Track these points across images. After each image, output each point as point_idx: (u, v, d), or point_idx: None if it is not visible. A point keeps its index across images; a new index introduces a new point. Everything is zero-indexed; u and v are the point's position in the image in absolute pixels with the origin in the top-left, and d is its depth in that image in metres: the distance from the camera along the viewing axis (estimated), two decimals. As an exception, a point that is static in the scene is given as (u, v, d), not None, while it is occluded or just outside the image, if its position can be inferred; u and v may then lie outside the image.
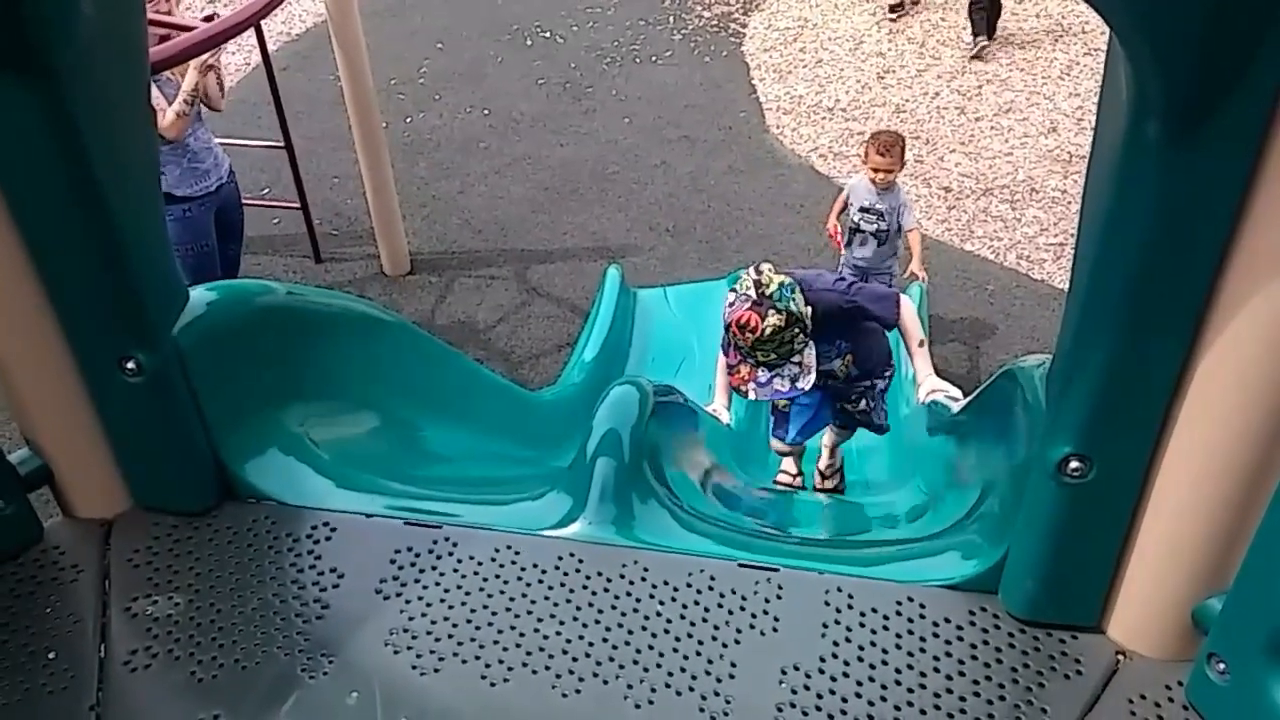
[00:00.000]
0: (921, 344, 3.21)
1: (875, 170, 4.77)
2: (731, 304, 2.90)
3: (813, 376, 2.87)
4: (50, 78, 1.45)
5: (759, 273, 2.90)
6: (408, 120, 7.41)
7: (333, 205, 6.57)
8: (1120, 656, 1.59)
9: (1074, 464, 1.44)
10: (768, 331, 2.80)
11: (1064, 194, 6.50)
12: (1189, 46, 1.08)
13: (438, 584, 1.79)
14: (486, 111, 7.49)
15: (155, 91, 3.96)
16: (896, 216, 4.89)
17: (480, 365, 3.41)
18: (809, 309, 2.90)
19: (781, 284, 2.85)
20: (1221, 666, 1.40)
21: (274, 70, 5.50)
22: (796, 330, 2.84)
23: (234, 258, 4.84)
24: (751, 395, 2.91)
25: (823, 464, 3.89)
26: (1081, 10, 8.33)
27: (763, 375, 2.87)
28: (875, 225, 4.90)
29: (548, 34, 8.50)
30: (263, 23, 5.00)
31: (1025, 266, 5.99)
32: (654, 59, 8.14)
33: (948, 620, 1.66)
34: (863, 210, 4.90)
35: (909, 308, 3.19)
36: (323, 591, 1.78)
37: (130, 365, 1.73)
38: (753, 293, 2.84)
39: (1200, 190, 1.19)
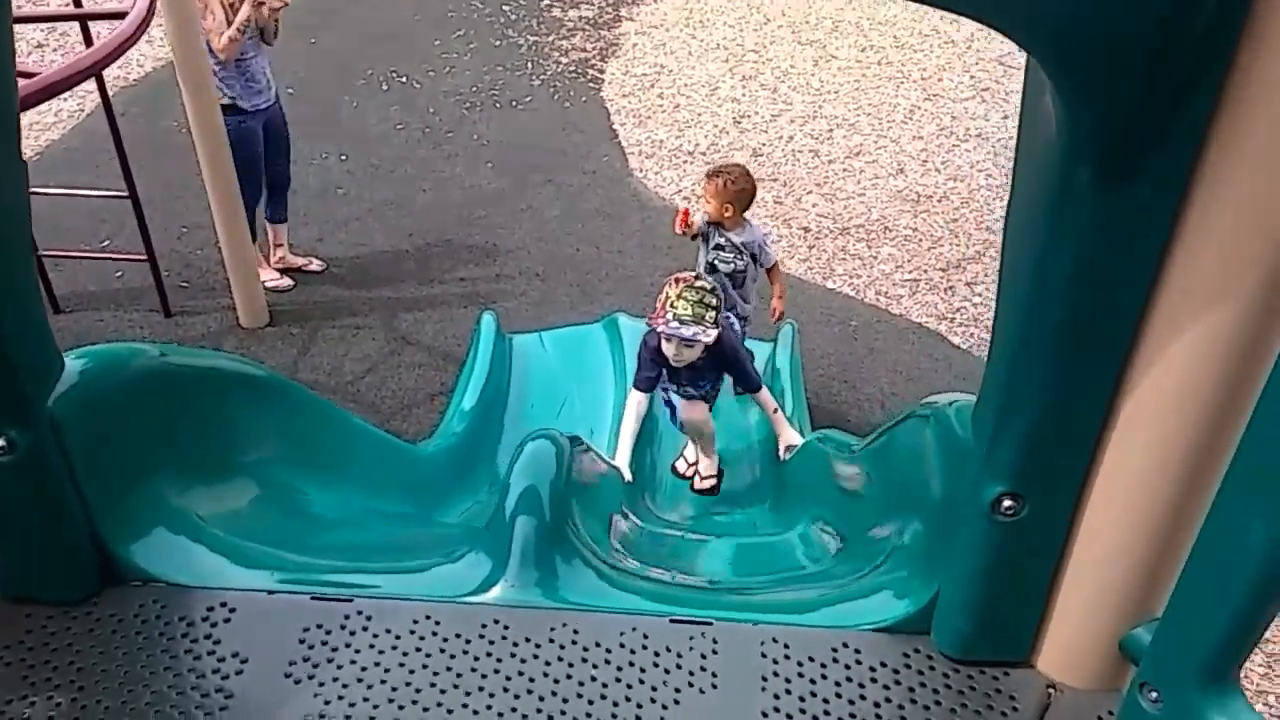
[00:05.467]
0: (777, 411, 4.02)
1: (701, 192, 4.63)
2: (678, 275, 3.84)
3: (709, 339, 3.65)
4: None
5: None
6: (260, 166, 7.13)
7: (181, 256, 6.24)
8: (1051, 690, 1.62)
9: (1007, 503, 1.47)
10: (696, 284, 3.69)
11: (915, 232, 6.80)
12: (1131, 96, 1.13)
13: (353, 663, 1.67)
14: (344, 157, 7.29)
15: (222, 16, 5.14)
16: (751, 254, 4.73)
17: (361, 420, 3.27)
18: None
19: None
20: (1154, 695, 1.43)
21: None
22: (713, 302, 3.69)
23: (283, 175, 5.91)
24: (660, 329, 3.70)
25: (702, 467, 4.25)
26: (919, 58, 8.80)
27: (675, 322, 3.63)
28: (731, 265, 4.72)
29: (404, 79, 8.36)
30: (102, 66, 4.73)
31: (884, 302, 6.22)
32: (514, 104, 8.12)
33: (883, 664, 1.66)
34: (716, 248, 4.72)
35: (766, 393, 4.03)
36: (225, 680, 1.64)
37: (0, 443, 1.56)
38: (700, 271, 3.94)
39: (1129, 232, 1.23)
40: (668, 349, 3.74)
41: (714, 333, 3.63)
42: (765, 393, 4.02)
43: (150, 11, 3.95)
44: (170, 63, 7.90)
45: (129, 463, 1.84)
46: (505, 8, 9.59)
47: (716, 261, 4.76)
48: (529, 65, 8.69)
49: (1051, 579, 1.54)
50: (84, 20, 4.78)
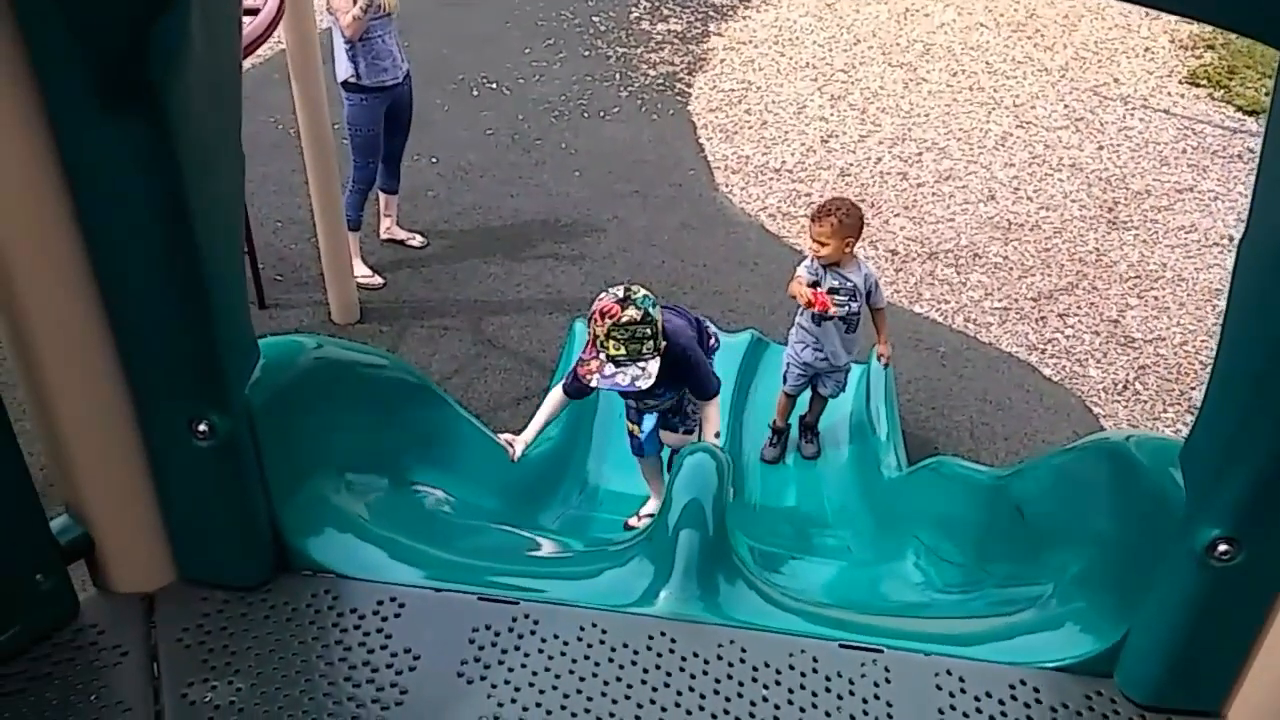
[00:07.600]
0: (717, 435, 3.54)
1: (812, 240, 4.20)
2: (600, 298, 3.23)
3: (650, 381, 3.15)
4: (160, 113, 1.33)
5: (630, 286, 3.29)
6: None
7: (275, 250, 6.35)
8: None
9: (1223, 548, 1.42)
10: (623, 320, 3.11)
11: (1005, 260, 6.70)
12: None
13: (524, 666, 1.67)
14: (434, 160, 7.38)
15: None
16: (866, 292, 4.32)
17: (477, 420, 3.29)
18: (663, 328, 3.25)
19: (646, 294, 3.24)
20: None
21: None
22: (648, 331, 3.13)
23: (399, 148, 6.04)
24: (594, 384, 3.23)
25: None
26: (1011, 85, 8.70)
27: (609, 369, 3.15)
28: (845, 307, 4.29)
29: (494, 85, 8.44)
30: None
31: (973, 330, 6.13)
32: (602, 114, 8.15)
33: (1065, 705, 1.62)
34: (831, 293, 4.23)
35: (715, 405, 3.55)
36: (399, 675, 1.64)
37: (202, 427, 1.58)
38: (620, 292, 3.20)
39: None
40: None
41: (655, 364, 3.15)
42: (715, 405, 3.55)
43: (280, 11, 4.03)
44: (267, 59, 8.09)
45: (302, 453, 1.86)
46: (595, 19, 9.66)
47: (831, 306, 4.28)
48: (617, 77, 8.72)
49: (1258, 628, 1.49)
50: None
